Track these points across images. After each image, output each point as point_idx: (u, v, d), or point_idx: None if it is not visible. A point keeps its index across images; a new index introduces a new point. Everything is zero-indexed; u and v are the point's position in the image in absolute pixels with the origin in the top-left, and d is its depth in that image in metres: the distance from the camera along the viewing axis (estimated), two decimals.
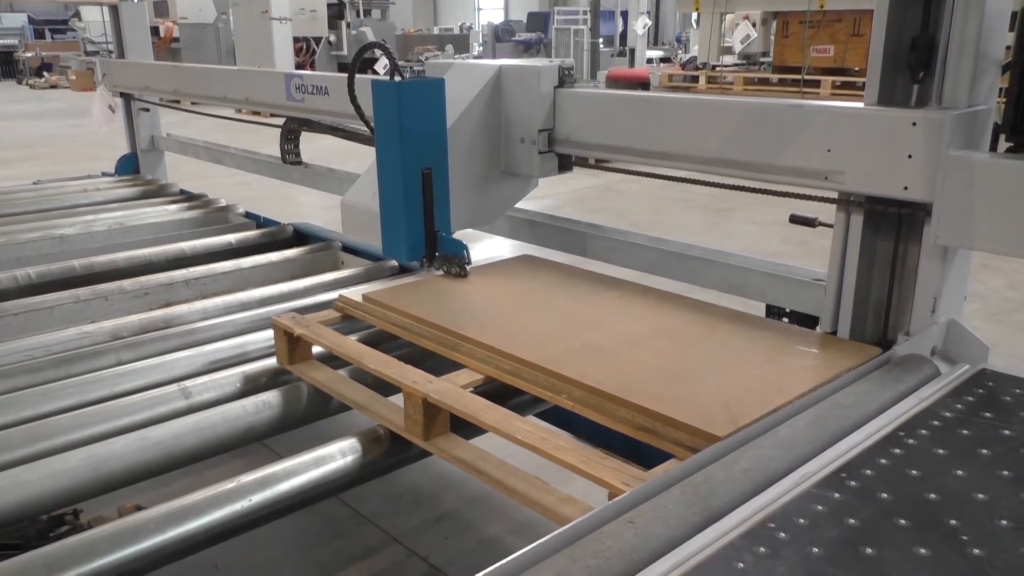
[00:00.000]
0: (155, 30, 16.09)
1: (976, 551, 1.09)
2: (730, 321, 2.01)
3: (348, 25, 15.50)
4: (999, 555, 1.07)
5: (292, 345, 2.03)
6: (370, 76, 2.81)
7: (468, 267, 2.31)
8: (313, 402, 1.98)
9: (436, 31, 22.94)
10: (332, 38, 15.22)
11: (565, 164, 2.52)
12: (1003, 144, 1.76)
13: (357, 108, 2.45)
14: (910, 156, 1.77)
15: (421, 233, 2.28)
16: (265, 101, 3.68)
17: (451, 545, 2.65)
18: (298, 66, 13.78)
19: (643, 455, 1.63)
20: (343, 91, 3.24)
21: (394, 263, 3.02)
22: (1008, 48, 1.76)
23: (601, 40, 16.01)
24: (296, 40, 13.65)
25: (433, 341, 1.95)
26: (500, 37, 18.71)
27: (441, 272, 2.38)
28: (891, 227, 1.97)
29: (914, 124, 1.76)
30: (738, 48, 9.25)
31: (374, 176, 2.36)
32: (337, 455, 1.70)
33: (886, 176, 1.82)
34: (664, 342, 1.85)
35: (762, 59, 10.20)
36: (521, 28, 19.74)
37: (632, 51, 15.56)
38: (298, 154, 3.78)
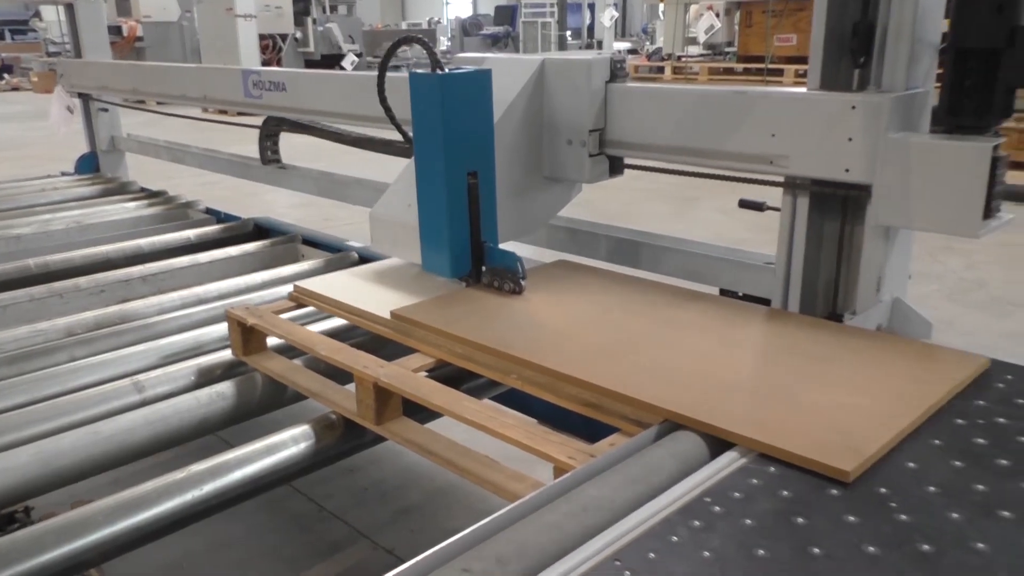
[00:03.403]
0: (118, 29, 15.88)
1: (903, 517, 1.12)
2: (809, 329, 1.80)
3: (314, 21, 15.39)
4: (926, 520, 1.11)
5: (246, 336, 2.04)
6: (338, 72, 2.78)
7: (523, 282, 2.01)
8: (268, 392, 1.99)
9: (404, 26, 22.84)
10: (298, 35, 15.10)
11: (616, 167, 2.29)
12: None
13: (387, 110, 2.20)
14: (850, 139, 1.81)
15: (467, 245, 2.05)
16: (223, 98, 3.67)
17: (417, 538, 2.67)
18: (265, 63, 13.67)
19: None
20: (301, 87, 3.26)
21: (355, 255, 3.03)
22: (945, 33, 1.80)
23: (569, 32, 16.06)
24: (262, 37, 13.52)
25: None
26: (468, 31, 18.69)
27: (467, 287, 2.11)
28: (836, 209, 2.01)
29: (853, 108, 1.79)
30: (702, 38, 9.33)
31: (407, 184, 2.17)
32: (290, 442, 1.71)
33: (828, 159, 1.86)
34: (741, 355, 1.66)
35: (727, 49, 10.28)
36: (489, 22, 19.72)
37: (600, 43, 15.62)
38: (277, 153, 3.74)
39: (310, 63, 15.15)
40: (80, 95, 4.75)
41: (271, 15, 14.25)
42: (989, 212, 1.70)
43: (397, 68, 17.35)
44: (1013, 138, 7.18)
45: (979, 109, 1.71)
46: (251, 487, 1.64)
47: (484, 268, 2.07)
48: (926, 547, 1.05)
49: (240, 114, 4.83)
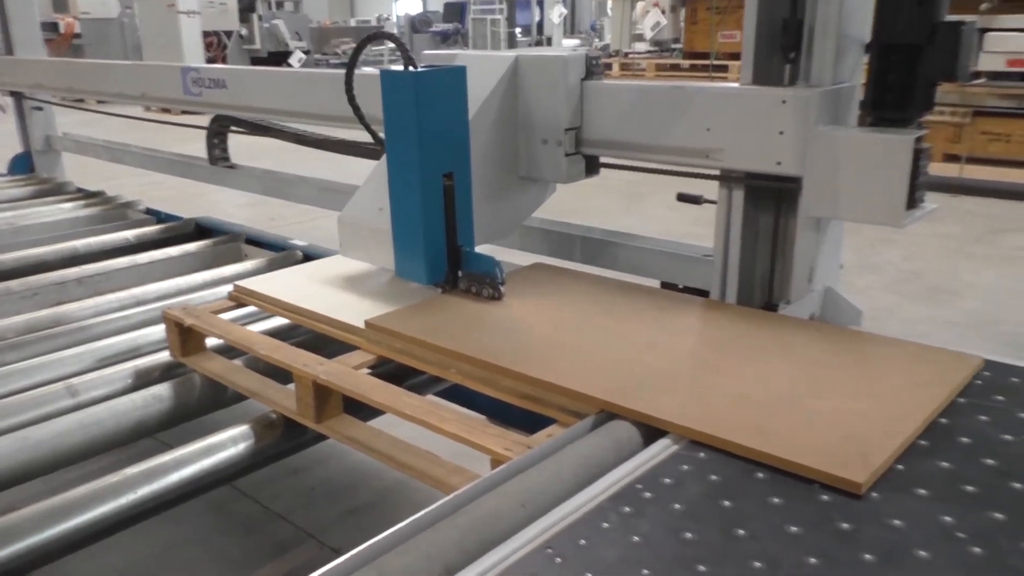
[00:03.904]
0: (54, 26, 15.45)
1: (825, 497, 1.16)
2: (800, 331, 1.76)
3: (260, 18, 15.16)
4: (848, 500, 1.14)
5: (184, 337, 2.01)
6: (287, 69, 2.74)
7: (503, 287, 1.95)
8: (207, 393, 1.96)
9: (352, 23, 22.63)
10: (244, 31, 14.87)
11: (592, 167, 2.24)
12: None
13: (356, 109, 2.12)
14: (781, 132, 1.85)
15: (443, 250, 1.98)
16: (162, 96, 3.60)
17: (366, 537, 2.66)
18: (209, 61, 13.42)
19: None
20: (243, 85, 3.22)
21: (299, 253, 3.00)
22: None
23: (518, 29, 16.07)
24: (206, 34, 13.27)
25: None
26: (417, 28, 18.57)
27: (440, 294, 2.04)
28: (770, 201, 2.06)
29: (784, 102, 1.83)
30: (649, 35, 9.43)
31: (377, 187, 2.09)
32: (229, 443, 1.69)
33: (761, 152, 1.90)
34: (737, 360, 1.60)
35: (673, 45, 10.40)
36: (438, 19, 19.65)
37: (549, 40, 15.67)
38: (225, 153, 3.68)
39: (256, 60, 14.93)
40: (12, 93, 4.62)
41: (215, 11, 14.00)
42: (913, 202, 1.75)
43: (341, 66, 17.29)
44: (949, 132, 7.40)
45: (902, 103, 1.77)
46: (189, 489, 1.62)
47: (460, 273, 2.01)
48: (845, 525, 1.09)
49: (185, 113, 4.76)
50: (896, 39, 1.72)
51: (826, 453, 1.22)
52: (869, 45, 1.84)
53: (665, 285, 2.38)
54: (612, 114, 2.12)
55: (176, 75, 3.40)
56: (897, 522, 1.09)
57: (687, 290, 2.31)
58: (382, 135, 2.05)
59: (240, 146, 3.77)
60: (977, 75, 7.27)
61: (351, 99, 2.08)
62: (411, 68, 1.86)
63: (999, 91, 7.03)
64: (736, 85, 1.98)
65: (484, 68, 2.12)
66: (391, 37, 2.04)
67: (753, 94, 1.90)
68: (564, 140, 2.14)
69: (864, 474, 1.16)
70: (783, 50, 1.93)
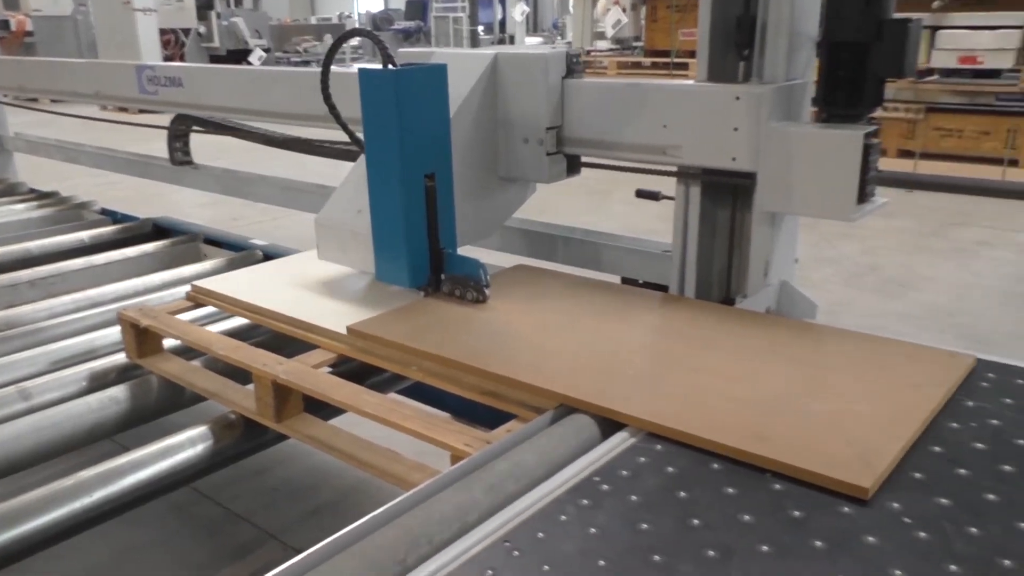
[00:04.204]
0: (5, 23, 15.09)
1: (777, 486, 1.18)
2: (788, 330, 1.75)
3: (218, 15, 14.96)
4: (799, 490, 1.17)
5: (141, 338, 1.98)
6: (247, 65, 2.71)
7: (487, 290, 1.91)
8: (165, 395, 1.94)
9: (313, 20, 22.42)
10: (202, 29, 14.65)
11: (574, 166, 2.22)
12: None
13: (332, 108, 2.06)
14: (736, 129, 1.88)
15: (425, 252, 1.94)
16: (117, 95, 3.55)
17: (329, 536, 2.65)
18: (167, 59, 13.21)
19: None
20: (199, 83, 3.18)
21: (259, 253, 2.97)
22: None
23: (481, 27, 16.06)
24: (163, 32, 13.06)
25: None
26: (379, 26, 18.45)
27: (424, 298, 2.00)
28: (727, 197, 2.09)
29: (737, 98, 1.86)
30: (610, 33, 9.49)
31: (356, 188, 2.05)
32: (187, 444, 1.68)
33: (716, 148, 1.93)
34: (729, 362, 1.58)
35: (635, 43, 10.47)
36: (400, 17, 19.55)
37: (512, 38, 15.68)
38: (187, 153, 3.62)
39: (215, 59, 14.72)
40: None
41: (172, 9, 13.76)
42: (864, 197, 1.79)
43: (308, 63, 16.87)
44: (903, 128, 7.56)
45: (852, 99, 1.80)
46: (146, 492, 1.60)
47: (443, 276, 1.97)
48: (797, 513, 1.11)
49: (143, 112, 4.69)
50: (845, 37, 1.76)
51: (828, 458, 1.20)
52: (819, 43, 1.87)
53: (625, 280, 2.41)
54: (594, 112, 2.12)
55: (131, 73, 3.35)
56: (846, 509, 1.11)
57: (647, 285, 2.33)
58: (359, 135, 2.03)
59: (200, 145, 3.73)
60: (930, 72, 7.44)
61: (327, 98, 2.03)
62: (391, 66, 1.82)
63: (951, 88, 7.20)
64: (691, 82, 2.01)
65: (462, 66, 2.07)
66: (369, 35, 1.98)
67: (708, 91, 1.93)
68: (545, 139, 2.12)
69: (870, 479, 1.15)
70: (737, 47, 1.96)
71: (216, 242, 3.21)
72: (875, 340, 1.65)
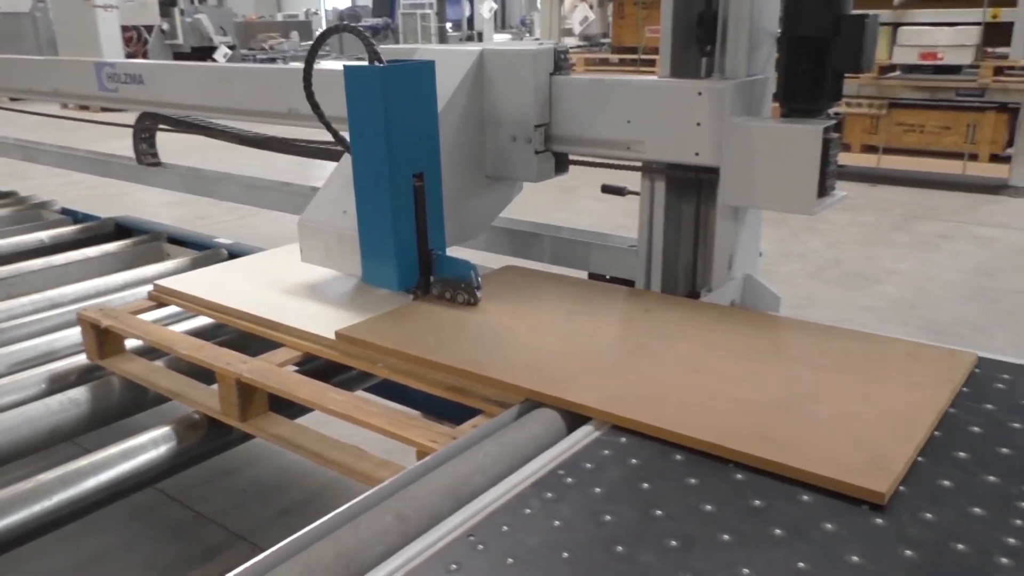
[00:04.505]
0: None
1: (739, 476, 1.20)
2: (787, 329, 1.72)
3: (182, 12, 14.75)
4: (761, 481, 1.18)
5: (102, 339, 1.95)
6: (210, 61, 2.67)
7: (479, 292, 1.87)
8: (127, 396, 1.91)
9: (279, 17, 22.20)
10: (165, 26, 14.44)
11: (562, 164, 2.18)
12: None
13: (315, 106, 1.97)
14: (699, 124, 1.89)
15: (414, 254, 1.88)
16: (76, 92, 3.50)
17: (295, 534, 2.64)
18: (130, 56, 12.99)
19: None
20: (161, 80, 3.14)
21: (224, 252, 2.94)
22: None
23: (449, 24, 16.01)
24: (125, 29, 12.84)
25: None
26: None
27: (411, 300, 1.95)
28: (691, 191, 2.11)
29: (700, 94, 1.88)
30: (577, 29, 9.51)
31: (340, 189, 1.99)
32: (150, 445, 1.66)
33: (680, 143, 1.94)
34: (731, 363, 1.54)
35: (602, 40, 10.50)
36: (367, 13, 19.43)
37: (480, 35, 15.65)
38: (153, 150, 3.56)
39: (179, 56, 14.51)
40: None
41: (134, 5, 13.55)
42: (824, 190, 1.81)
43: (274, 60, 16.70)
44: (866, 124, 7.66)
45: (811, 94, 1.82)
46: (108, 494, 1.58)
47: (432, 279, 1.92)
48: (757, 502, 1.13)
49: (105, 110, 4.61)
50: (804, 32, 1.78)
51: (839, 462, 1.18)
52: (779, 38, 1.89)
53: (592, 276, 2.42)
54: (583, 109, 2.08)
55: (90, 70, 3.30)
56: (805, 497, 1.13)
57: (614, 280, 2.35)
58: (342, 133, 1.98)
59: (171, 143, 3.68)
60: (892, 68, 7.55)
61: (310, 96, 1.94)
62: (377, 63, 1.76)
63: (912, 83, 7.31)
64: (654, 78, 2.02)
65: (447, 63, 2.00)
66: (354, 30, 1.91)
67: (670, 87, 1.94)
68: (534, 137, 2.08)
69: (886, 483, 1.12)
70: (699, 43, 1.98)
71: (180, 241, 3.17)
72: (874, 339, 1.63)
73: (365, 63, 1.83)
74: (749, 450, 1.22)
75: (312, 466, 1.88)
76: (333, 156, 2.80)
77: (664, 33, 1.98)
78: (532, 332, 1.72)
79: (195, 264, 2.76)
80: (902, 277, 5.17)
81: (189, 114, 3.20)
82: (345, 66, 1.80)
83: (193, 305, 2.05)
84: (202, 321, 2.16)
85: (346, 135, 1.94)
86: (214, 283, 2.13)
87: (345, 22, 2.04)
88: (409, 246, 1.87)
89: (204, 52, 14.48)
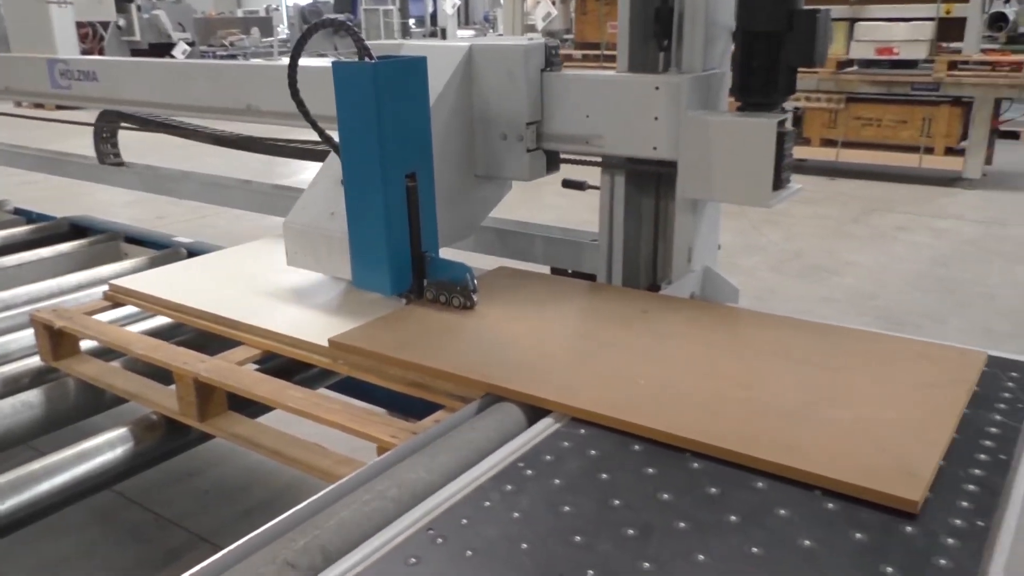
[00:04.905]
0: None
1: (696, 465, 1.21)
2: (793, 330, 1.68)
3: (139, 8, 14.48)
4: (719, 470, 1.20)
5: (56, 340, 1.92)
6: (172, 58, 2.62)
7: (475, 296, 1.82)
8: (83, 398, 1.88)
9: (240, 13, 21.91)
10: (122, 22, 14.15)
11: (553, 162, 2.14)
12: None
13: (300, 104, 1.86)
14: (656, 118, 1.91)
15: (407, 257, 1.82)
16: (28, 90, 3.43)
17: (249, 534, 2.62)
18: (85, 53, 12.73)
19: None
20: (115, 77, 3.08)
21: (183, 251, 2.90)
22: None
23: (412, 20, 15.93)
24: (81, 25, 12.59)
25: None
26: (307, 19, 18.13)
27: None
28: (651, 185, 2.13)
29: (657, 88, 1.89)
30: (540, 25, 9.52)
31: (327, 190, 1.94)
32: (105, 447, 1.64)
33: (638, 138, 1.95)
34: (740, 366, 1.51)
35: (566, 36, 10.52)
36: (329, 9, 19.25)
37: (443, 31, 15.60)
38: (117, 153, 3.49)
39: (137, 53, 14.26)
40: None
41: (90, 1, 13.28)
42: (779, 183, 1.83)
43: (234, 57, 16.47)
44: (825, 118, 7.78)
45: (766, 88, 1.85)
46: (62, 497, 1.55)
47: (426, 282, 1.86)
48: (713, 490, 1.14)
49: (59, 108, 4.51)
50: (758, 27, 1.80)
51: (866, 468, 1.14)
52: (734, 33, 1.91)
53: (555, 271, 2.43)
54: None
55: (42, 67, 3.23)
56: (760, 484, 1.15)
57: (576, 275, 2.36)
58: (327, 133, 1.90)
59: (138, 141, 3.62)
60: (850, 63, 7.67)
61: (295, 94, 1.84)
62: (367, 59, 1.70)
63: (869, 78, 7.43)
64: (612, 73, 2.03)
65: (435, 60, 1.91)
66: (342, 25, 1.85)
67: (628, 81, 1.95)
68: (526, 135, 2.03)
69: (919, 490, 1.09)
70: (656, 38, 1.99)
71: (138, 240, 3.13)
72: (879, 338, 1.61)
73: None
74: (773, 458, 1.18)
75: (276, 466, 1.87)
76: (313, 156, 2.79)
77: (622, 28, 2.00)
78: (536, 337, 1.66)
79: (153, 264, 2.72)
80: (860, 269, 5.26)
81: (148, 112, 3.15)
82: (334, 63, 1.74)
83: (150, 305, 2.03)
84: (160, 321, 2.13)
85: (331, 134, 1.88)
86: (172, 282, 2.10)
87: (330, 17, 1.97)
88: (402, 249, 1.81)
89: (162, 49, 14.24)
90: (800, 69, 1.86)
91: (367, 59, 1.70)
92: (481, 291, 1.85)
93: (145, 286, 2.08)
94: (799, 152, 7.88)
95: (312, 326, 1.77)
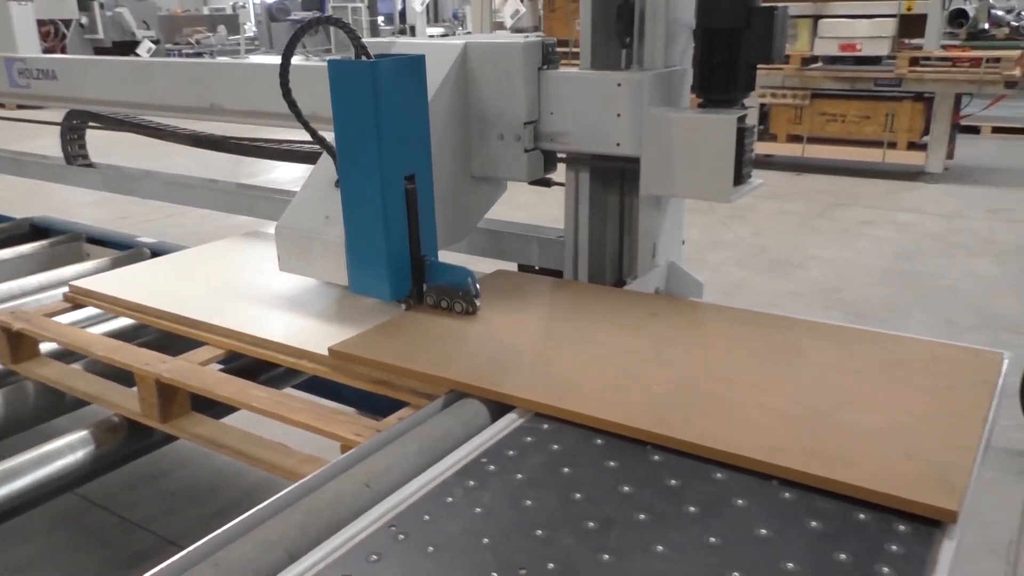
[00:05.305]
0: None
1: (656, 457, 1.23)
2: (803, 332, 1.64)
3: (102, 6, 14.26)
4: (679, 462, 1.21)
5: (15, 343, 1.89)
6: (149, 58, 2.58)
7: (478, 300, 1.77)
8: (43, 401, 1.86)
9: (206, 11, 21.64)
10: (84, 20, 13.93)
11: (551, 162, 2.09)
12: None
13: (292, 104, 1.78)
14: (619, 115, 1.92)
15: (407, 261, 1.78)
16: None
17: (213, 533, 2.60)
18: (47, 52, 12.52)
19: None
20: (75, 75, 3.03)
21: (146, 251, 2.87)
22: None
23: (381, 18, 15.84)
24: (42, 23, 12.38)
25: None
26: (275, 17, 17.99)
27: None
28: (615, 182, 2.14)
29: (619, 85, 1.91)
30: (509, 23, 9.53)
31: (321, 192, 1.89)
32: (66, 450, 1.62)
33: (601, 134, 1.97)
34: (755, 370, 1.47)
35: (534, 33, 10.55)
36: (297, 7, 19.10)
37: (412, 28, 15.54)
38: (85, 155, 3.42)
39: (100, 51, 14.04)
40: None
41: None
42: (740, 179, 1.85)
43: (200, 55, 16.25)
44: (791, 114, 7.87)
45: (726, 85, 1.87)
46: (22, 501, 1.53)
47: (426, 286, 1.81)
48: (673, 482, 1.16)
49: (20, 107, 4.43)
50: (716, 24, 1.82)
51: (898, 476, 1.11)
52: (695, 30, 1.93)
53: (522, 268, 2.44)
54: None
55: None
56: (719, 475, 1.17)
57: (543, 271, 2.37)
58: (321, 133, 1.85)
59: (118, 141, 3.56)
60: (814, 60, 7.77)
61: (286, 93, 1.76)
62: (364, 58, 1.65)
63: (833, 74, 7.53)
64: (575, 70, 2.04)
65: (429, 58, 1.86)
66: (337, 22, 1.80)
67: (591, 78, 1.96)
68: (523, 135, 1.99)
69: (955, 500, 1.06)
70: (619, 36, 2.01)
71: (100, 241, 3.08)
72: (893, 339, 1.58)
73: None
74: (800, 467, 1.14)
75: (244, 467, 1.85)
76: (286, 156, 2.76)
77: (584, 25, 2.01)
78: (543, 344, 1.62)
79: (116, 264, 2.68)
80: (826, 263, 5.33)
81: (111, 111, 3.11)
82: (330, 61, 1.69)
83: (111, 306, 2.00)
84: (123, 322, 2.11)
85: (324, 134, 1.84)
86: (134, 283, 2.08)
87: (324, 14, 1.90)
88: (401, 253, 1.76)
89: (127, 47, 14.03)
90: (763, 66, 1.88)
91: (364, 58, 1.66)
92: (482, 295, 1.80)
93: (106, 287, 2.05)
94: (766, 148, 7.99)
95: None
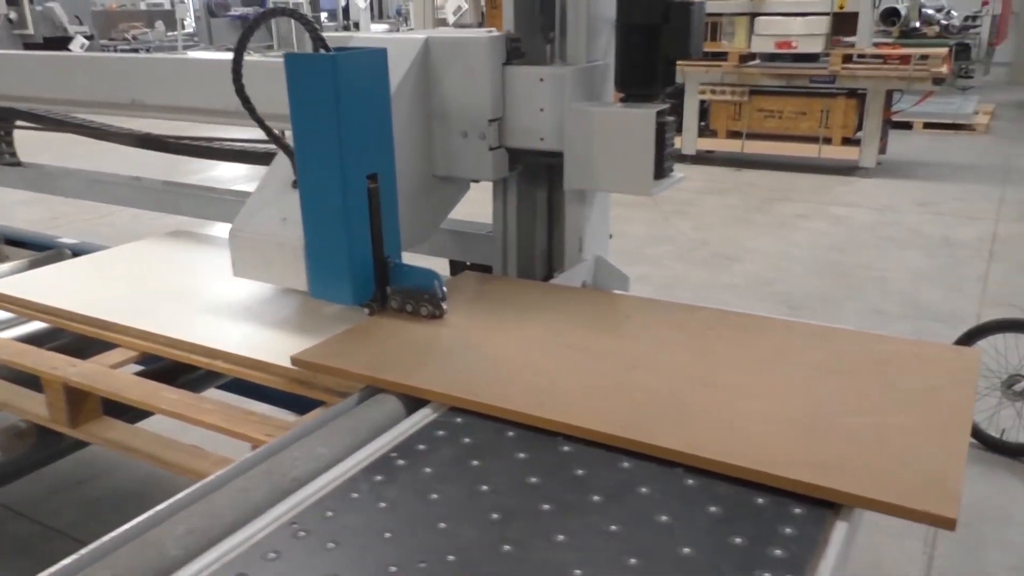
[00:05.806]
0: None
1: (566, 448, 1.23)
2: (783, 333, 1.61)
3: (32, 0, 13.82)
4: (587, 452, 1.22)
5: None
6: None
7: (444, 304, 1.71)
8: None
9: (143, 6, 21.11)
10: (13, 15, 13.47)
11: (516, 160, 2.03)
12: None
13: (245, 101, 1.71)
14: (542, 110, 1.93)
15: (370, 264, 1.71)
16: None
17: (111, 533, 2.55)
18: None
19: None
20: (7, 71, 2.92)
21: (67, 252, 2.79)
22: None
23: (323, 15, 15.65)
24: None
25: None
26: (214, 12, 17.64)
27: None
28: (542, 177, 2.15)
29: (541, 80, 1.91)
30: (451, 19, 9.49)
31: (276, 193, 1.82)
32: None
33: (526, 129, 1.97)
34: (742, 375, 1.43)
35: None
36: (237, 3, 18.76)
37: (356, 25, 15.38)
38: (13, 152, 3.29)
39: (30, 47, 13.61)
40: None
41: None
42: (661, 172, 1.87)
43: (137, 51, 15.88)
44: (731, 110, 8.00)
45: (646, 79, 1.89)
46: None
47: (390, 289, 1.75)
48: (580, 472, 1.16)
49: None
50: (636, 20, 1.84)
51: (896, 485, 1.09)
52: (616, 25, 1.95)
53: (453, 263, 2.44)
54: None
55: None
56: (626, 464, 1.18)
57: (474, 267, 2.36)
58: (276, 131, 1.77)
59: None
60: (752, 56, 7.90)
61: (239, 90, 1.69)
62: (323, 51, 1.57)
63: (770, 71, 7.67)
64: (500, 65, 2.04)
65: (389, 53, 1.77)
66: (294, 14, 1.74)
67: (515, 73, 1.96)
68: (488, 133, 1.95)
69: (954, 507, 1.03)
70: (542, 30, 2.01)
71: (18, 242, 2.99)
72: (872, 338, 1.56)
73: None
74: (795, 476, 1.11)
75: (169, 474, 1.81)
76: (222, 155, 2.70)
77: (507, 20, 2.01)
78: (518, 349, 1.56)
79: (33, 266, 2.60)
80: (761, 256, 5.44)
81: (29, 107, 3.01)
82: (287, 55, 1.62)
83: (23, 309, 1.94)
84: (37, 326, 2.04)
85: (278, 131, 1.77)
86: (48, 285, 2.02)
87: (280, 6, 1.80)
88: (364, 255, 1.70)
89: (58, 43, 13.61)
90: (703, 63, 1.89)
91: (323, 51, 1.59)
92: (450, 298, 1.74)
93: (18, 290, 1.99)
94: (707, 144, 8.10)
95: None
